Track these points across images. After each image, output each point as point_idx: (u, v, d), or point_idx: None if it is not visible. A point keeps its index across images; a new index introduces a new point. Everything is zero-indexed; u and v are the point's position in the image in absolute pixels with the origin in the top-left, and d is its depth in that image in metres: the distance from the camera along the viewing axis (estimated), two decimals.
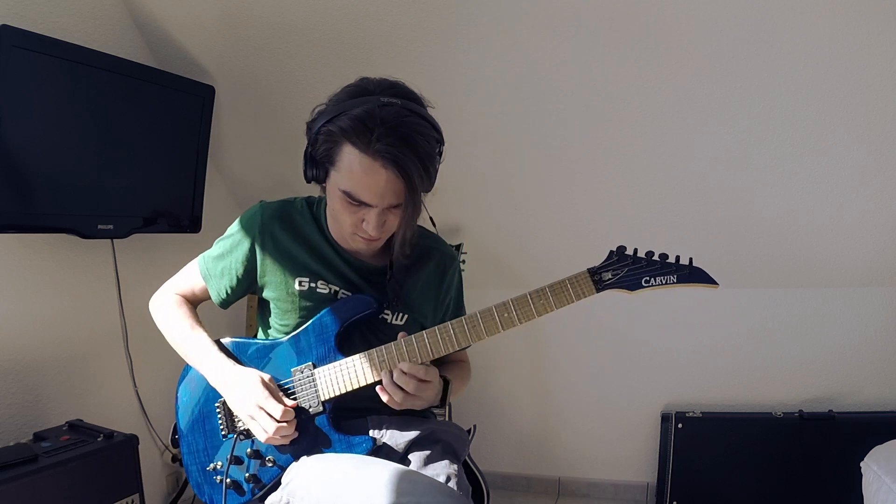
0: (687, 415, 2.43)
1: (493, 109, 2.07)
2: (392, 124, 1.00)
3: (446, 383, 1.19)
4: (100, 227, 1.88)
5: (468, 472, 1.24)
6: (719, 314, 2.50)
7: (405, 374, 1.10)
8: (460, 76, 2.01)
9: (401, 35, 1.93)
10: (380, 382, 1.12)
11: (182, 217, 2.16)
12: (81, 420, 1.82)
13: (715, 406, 2.50)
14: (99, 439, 1.66)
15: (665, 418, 2.47)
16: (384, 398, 1.11)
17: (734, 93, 1.89)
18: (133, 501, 1.70)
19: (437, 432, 1.22)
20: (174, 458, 2.29)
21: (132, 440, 1.72)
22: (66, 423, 1.80)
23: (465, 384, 1.35)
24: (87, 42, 1.83)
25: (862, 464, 1.78)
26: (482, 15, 1.83)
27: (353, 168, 1.03)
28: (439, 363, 1.38)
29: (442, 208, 1.28)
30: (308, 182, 1.14)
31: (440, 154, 1.13)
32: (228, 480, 1.19)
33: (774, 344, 2.46)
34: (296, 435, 1.15)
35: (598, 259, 1.10)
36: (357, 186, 1.05)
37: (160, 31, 2.07)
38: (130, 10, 2.02)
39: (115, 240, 2.02)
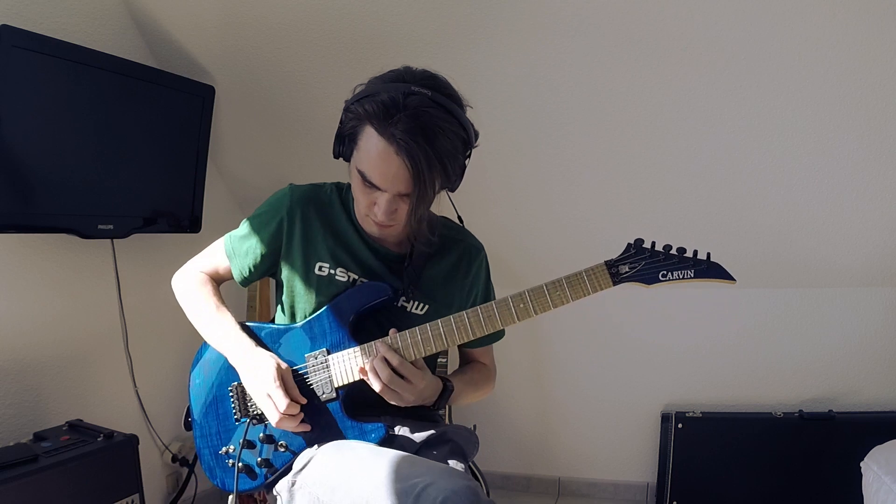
0: (687, 415, 2.43)
1: (494, 109, 2.07)
2: (413, 112, 1.01)
3: (445, 387, 1.19)
4: (100, 227, 1.88)
5: (469, 473, 1.24)
6: (719, 314, 2.50)
7: (384, 360, 1.11)
8: (460, 76, 2.00)
9: (401, 35, 1.92)
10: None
11: (182, 217, 2.16)
12: (81, 420, 1.81)
13: (715, 406, 2.50)
14: (99, 439, 1.66)
15: (665, 418, 2.47)
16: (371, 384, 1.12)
17: (734, 93, 1.89)
18: (133, 501, 1.70)
19: (448, 433, 1.22)
20: (174, 458, 2.29)
21: (132, 440, 1.72)
22: (66, 423, 1.80)
23: (481, 390, 1.33)
24: (87, 42, 1.83)
25: (862, 464, 1.78)
26: (483, 15, 1.83)
27: (370, 150, 1.05)
28: (462, 362, 1.37)
29: (442, 208, 1.28)
30: (336, 157, 1.15)
31: (467, 155, 1.13)
32: (240, 465, 1.19)
33: (774, 344, 2.46)
34: (306, 428, 1.15)
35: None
36: (371, 169, 1.06)
37: (160, 31, 2.07)
38: (130, 10, 2.02)
39: (115, 240, 2.02)
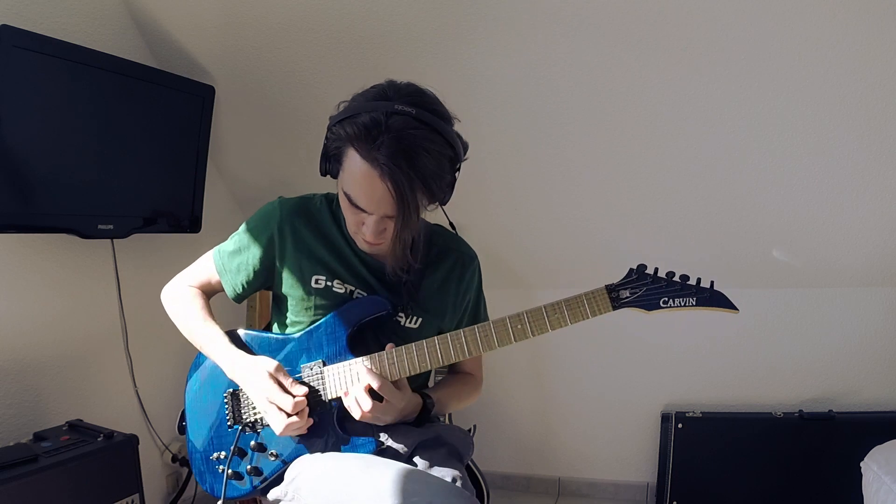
0: (687, 415, 2.43)
1: (493, 109, 2.07)
2: (396, 135, 0.98)
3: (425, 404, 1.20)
4: (100, 227, 1.88)
5: (468, 473, 1.24)
6: (719, 314, 2.49)
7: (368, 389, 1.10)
8: (460, 75, 2.01)
9: (401, 35, 1.92)
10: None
11: (182, 217, 2.16)
12: (81, 420, 1.82)
13: (715, 406, 2.50)
14: (99, 439, 1.66)
15: (665, 418, 2.47)
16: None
17: (734, 93, 1.89)
18: (133, 501, 1.70)
19: (443, 436, 1.22)
20: (174, 458, 2.29)
21: (132, 440, 1.72)
22: (66, 423, 1.80)
23: (465, 400, 1.33)
24: (87, 42, 1.83)
25: (862, 464, 1.78)
26: (482, 14, 1.83)
27: (355, 173, 1.03)
28: (449, 370, 1.39)
29: (436, 213, 1.27)
30: (323, 175, 1.13)
31: (455, 170, 1.11)
32: (230, 471, 1.19)
33: (774, 344, 2.46)
34: (310, 423, 1.14)
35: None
36: (356, 192, 1.05)
37: (160, 31, 2.07)
38: (130, 10, 2.02)
39: (115, 240, 2.02)
